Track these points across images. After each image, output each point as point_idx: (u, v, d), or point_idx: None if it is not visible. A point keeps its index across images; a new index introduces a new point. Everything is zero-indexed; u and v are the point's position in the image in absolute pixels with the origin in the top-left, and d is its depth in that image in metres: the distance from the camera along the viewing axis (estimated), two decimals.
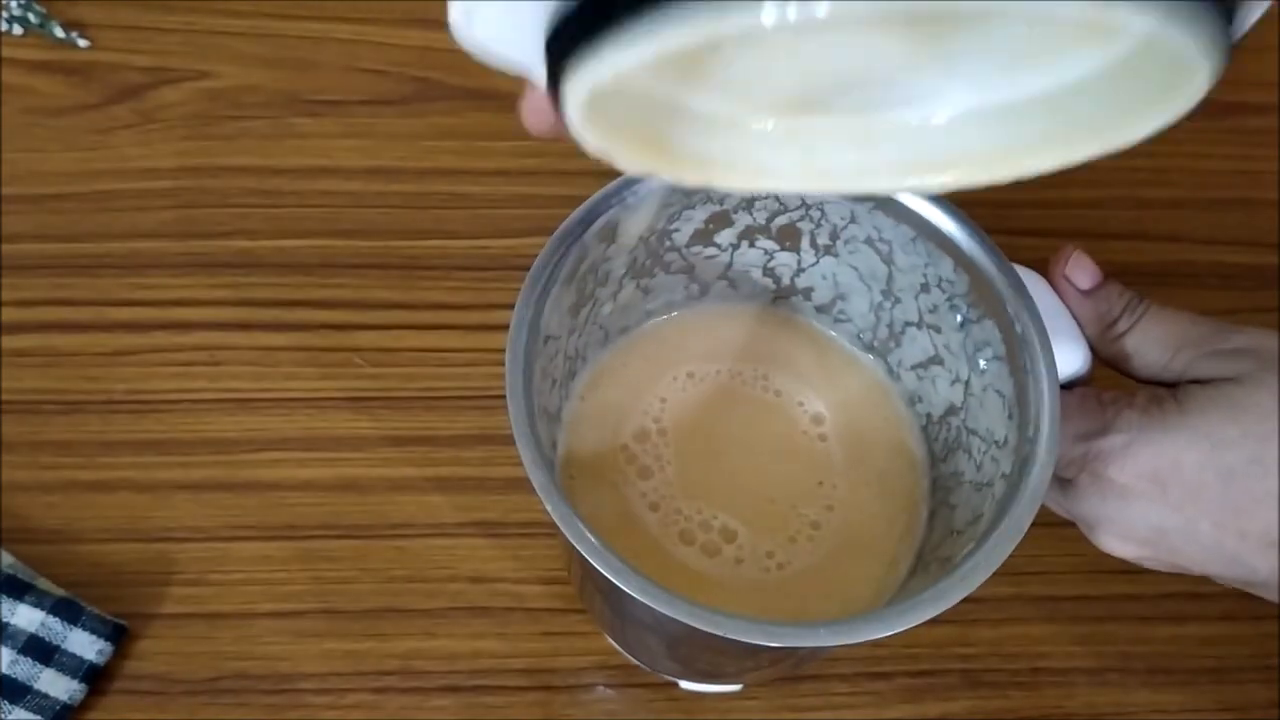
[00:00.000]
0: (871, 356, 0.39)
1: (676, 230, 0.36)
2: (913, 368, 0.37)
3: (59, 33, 0.50)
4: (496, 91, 0.51)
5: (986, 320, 0.33)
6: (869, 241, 0.35)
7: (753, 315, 0.39)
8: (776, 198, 0.35)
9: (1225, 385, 0.30)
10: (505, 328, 0.46)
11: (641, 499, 0.36)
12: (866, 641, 0.29)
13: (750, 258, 0.37)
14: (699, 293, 0.39)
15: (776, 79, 0.23)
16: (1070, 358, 0.33)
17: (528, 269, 0.47)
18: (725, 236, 0.36)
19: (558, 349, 0.35)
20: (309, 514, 0.42)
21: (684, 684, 0.39)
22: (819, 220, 0.35)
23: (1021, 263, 0.34)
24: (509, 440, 0.44)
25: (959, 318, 0.35)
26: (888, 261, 0.36)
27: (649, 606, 0.27)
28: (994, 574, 0.42)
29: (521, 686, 0.40)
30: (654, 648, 0.36)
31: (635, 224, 0.35)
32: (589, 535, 0.28)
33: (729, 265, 0.38)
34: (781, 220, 0.36)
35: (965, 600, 0.42)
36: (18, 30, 0.50)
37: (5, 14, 0.50)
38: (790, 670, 0.40)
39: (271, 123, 0.49)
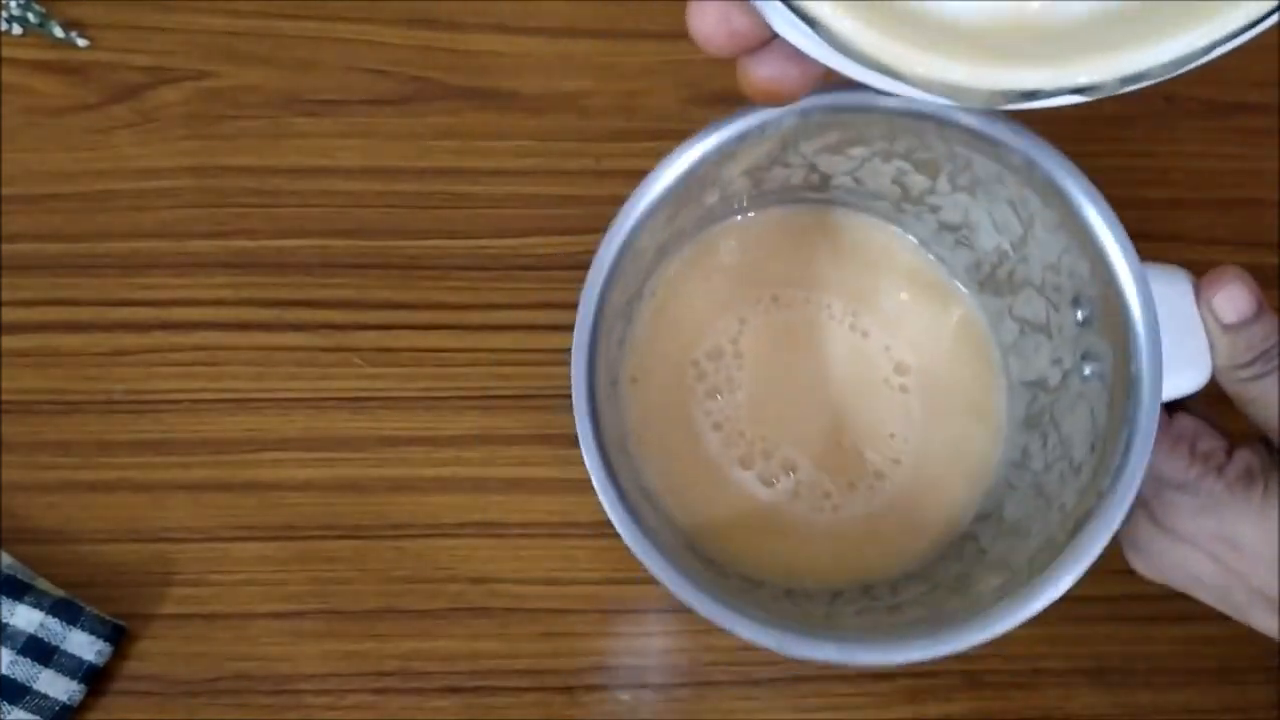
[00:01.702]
0: (979, 298, 0.36)
1: (805, 140, 0.33)
2: (1019, 319, 0.35)
3: (58, 32, 0.49)
4: (497, 91, 0.51)
5: (1104, 339, 0.31)
6: (1011, 203, 0.33)
7: (858, 234, 0.36)
8: (919, 137, 0.31)
9: None
10: (506, 328, 0.46)
11: (706, 416, 0.35)
12: (864, 665, 0.29)
13: (882, 169, 0.35)
14: (819, 182, 0.36)
15: None
16: (1188, 382, 0.31)
17: (528, 269, 0.47)
18: (859, 151, 0.34)
19: (647, 248, 0.33)
20: (309, 514, 0.42)
21: None
22: (963, 166, 0.33)
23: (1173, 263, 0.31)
24: (509, 440, 0.45)
25: (1079, 314, 0.32)
26: (1026, 225, 0.33)
27: None
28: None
29: (521, 687, 0.40)
30: None
31: (744, 161, 0.32)
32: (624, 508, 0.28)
33: (857, 168, 0.35)
34: (922, 155, 0.33)
35: None
36: (17, 30, 0.50)
37: (4, 13, 0.49)
38: None
39: (271, 122, 0.49)
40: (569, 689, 0.40)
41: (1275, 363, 0.31)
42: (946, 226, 0.36)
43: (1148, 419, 0.30)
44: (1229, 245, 0.50)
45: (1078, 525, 0.30)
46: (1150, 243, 0.50)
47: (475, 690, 0.40)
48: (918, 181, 0.35)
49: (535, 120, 0.50)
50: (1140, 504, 0.31)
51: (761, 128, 0.31)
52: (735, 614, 0.28)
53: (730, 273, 0.37)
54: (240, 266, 0.46)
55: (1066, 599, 0.43)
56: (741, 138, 0.31)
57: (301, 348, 0.45)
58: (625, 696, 0.41)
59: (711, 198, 0.34)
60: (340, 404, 0.44)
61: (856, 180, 0.36)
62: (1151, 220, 0.51)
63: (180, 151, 0.48)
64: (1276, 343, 0.31)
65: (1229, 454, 0.31)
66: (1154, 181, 0.51)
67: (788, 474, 0.35)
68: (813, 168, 0.35)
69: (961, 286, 0.37)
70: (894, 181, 0.36)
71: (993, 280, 0.36)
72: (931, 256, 0.37)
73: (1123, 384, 0.30)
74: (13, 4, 0.49)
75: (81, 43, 0.50)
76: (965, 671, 0.41)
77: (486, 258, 0.47)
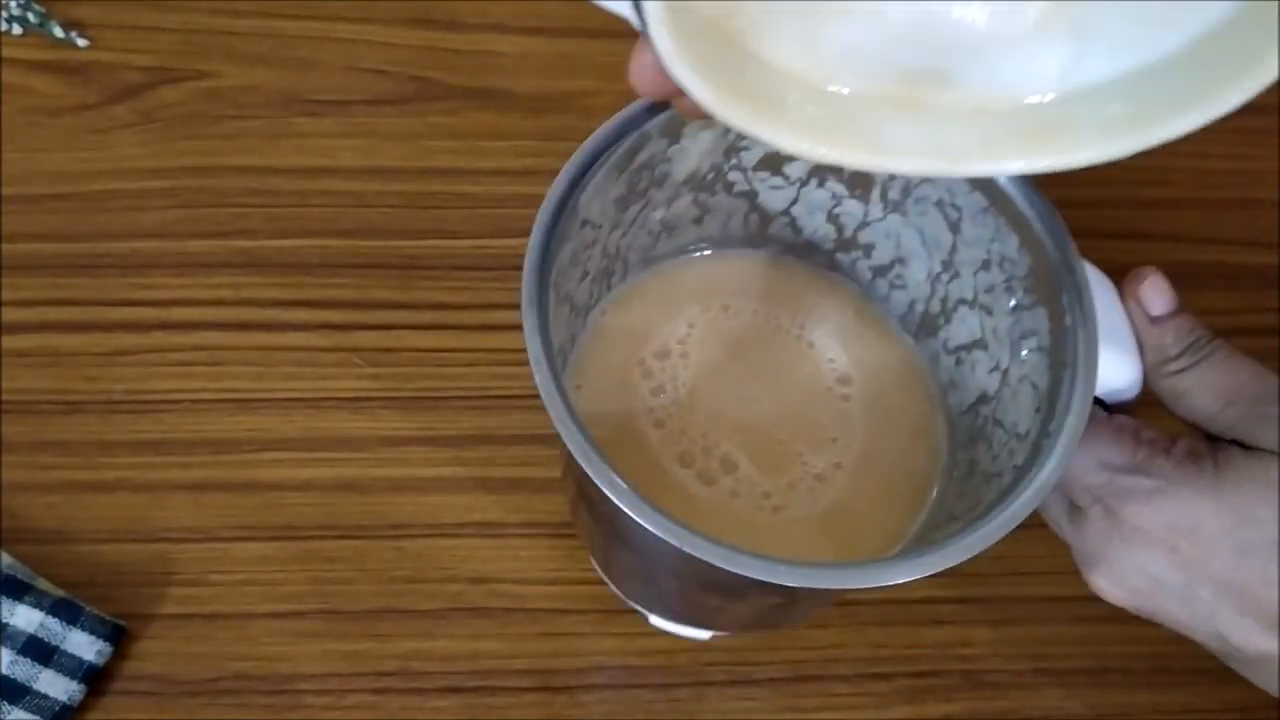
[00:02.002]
0: (916, 341, 0.38)
1: (746, 149, 0.34)
2: (955, 350, 0.36)
3: (58, 32, 0.49)
4: (496, 91, 0.51)
5: (1039, 308, 0.32)
6: (939, 204, 0.34)
7: (807, 273, 0.38)
8: None
9: (1268, 460, 0.29)
10: (506, 328, 0.46)
11: (648, 414, 0.35)
12: (819, 588, 0.28)
13: (817, 198, 0.36)
14: (759, 224, 0.37)
15: (886, 44, 0.22)
16: (1119, 372, 0.31)
17: None
18: (796, 169, 0.35)
19: (596, 239, 0.34)
20: (309, 514, 0.42)
21: (653, 620, 0.39)
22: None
23: (1100, 266, 0.32)
24: (509, 440, 0.45)
25: (1012, 301, 0.33)
26: (954, 229, 0.34)
27: (631, 520, 0.27)
28: (995, 574, 0.42)
29: (521, 687, 0.40)
30: (631, 570, 0.36)
31: (689, 159, 0.34)
32: (570, 415, 0.28)
33: (794, 201, 0.36)
34: None
35: (964, 601, 0.42)
36: (17, 30, 0.50)
37: (5, 13, 0.49)
38: (759, 621, 0.39)
39: (271, 122, 0.49)
40: (569, 689, 0.40)
41: (1204, 351, 0.31)
42: (880, 271, 0.38)
43: (1088, 351, 0.30)
44: (1229, 245, 0.50)
45: (1031, 464, 0.30)
46: (1150, 242, 0.51)
47: (475, 690, 0.40)
48: (851, 211, 0.36)
49: (535, 120, 0.50)
50: (1094, 499, 0.31)
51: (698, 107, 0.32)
52: (678, 526, 0.27)
53: (681, 285, 0.38)
54: (240, 266, 0.46)
55: (1067, 599, 0.43)
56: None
57: (301, 348, 0.45)
58: (625, 696, 0.41)
59: (656, 209, 0.35)
60: (340, 404, 0.44)
61: (794, 224, 0.37)
62: (1151, 220, 0.51)
63: (180, 151, 0.48)
64: (1202, 334, 0.31)
65: (1172, 441, 0.31)
66: (1154, 181, 0.52)
67: (727, 472, 0.35)
68: (753, 201, 0.36)
69: (900, 334, 0.38)
70: (829, 218, 0.37)
71: (926, 319, 0.37)
72: (872, 303, 0.39)
73: (1060, 338, 0.31)
74: (13, 4, 0.50)
75: (81, 43, 0.50)
76: (965, 671, 0.41)
77: (486, 258, 0.47)
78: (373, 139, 0.49)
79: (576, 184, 0.31)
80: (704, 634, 0.39)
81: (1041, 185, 0.32)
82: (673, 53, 0.21)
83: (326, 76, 0.51)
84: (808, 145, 0.23)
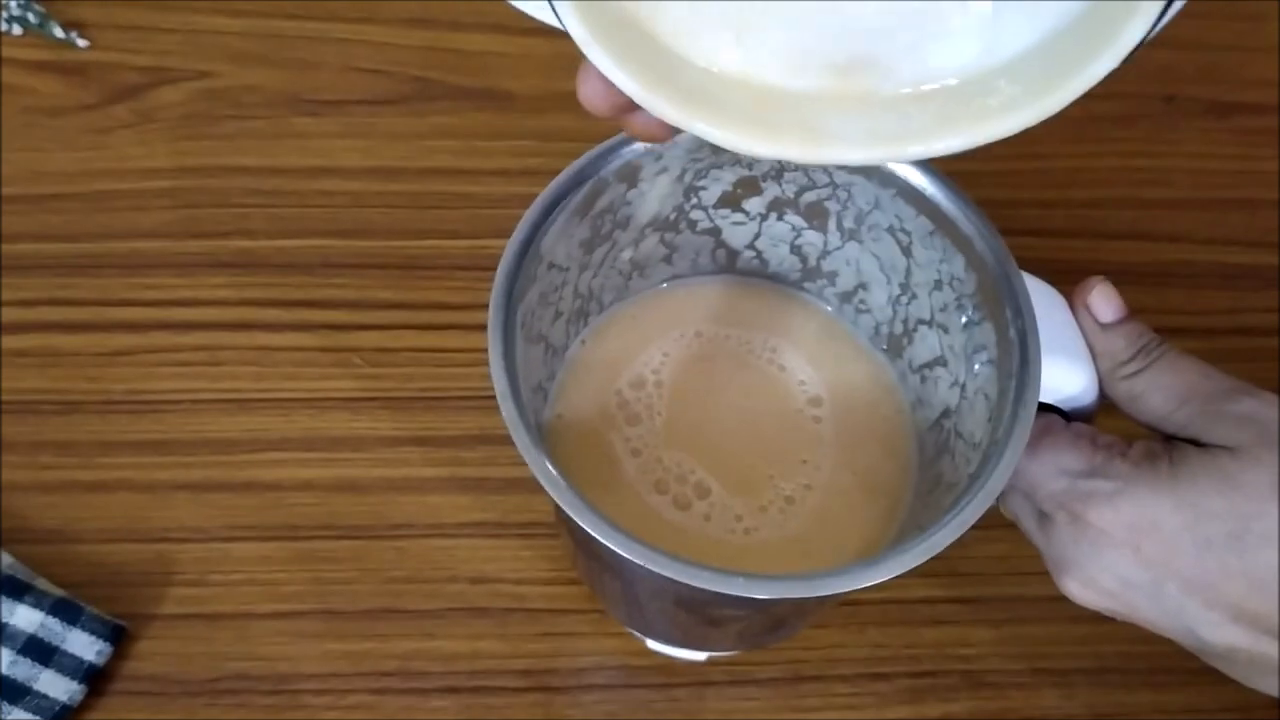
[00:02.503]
0: (885, 357, 0.39)
1: (704, 189, 0.35)
2: (919, 369, 0.37)
3: (58, 32, 0.49)
4: (496, 91, 0.51)
5: (987, 322, 0.33)
6: (891, 230, 0.35)
7: (779, 295, 0.39)
8: (805, 172, 0.35)
9: (1221, 455, 0.30)
10: None
11: (625, 444, 0.36)
12: (781, 600, 0.29)
13: (779, 231, 0.37)
14: (726, 259, 0.38)
15: (814, 38, 0.22)
16: (1070, 379, 0.32)
17: None
18: (754, 205, 0.36)
19: (565, 280, 0.35)
20: (309, 514, 0.42)
21: (650, 644, 0.40)
22: (845, 202, 0.35)
23: (1041, 275, 0.33)
24: (509, 440, 0.44)
25: (964, 318, 0.34)
26: (907, 253, 0.35)
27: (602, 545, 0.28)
28: (995, 574, 0.42)
29: (521, 687, 0.40)
30: (617, 596, 0.37)
31: (650, 203, 0.35)
32: (534, 448, 0.30)
33: (757, 235, 0.37)
34: (810, 196, 0.36)
35: (964, 601, 0.42)
36: (17, 30, 0.50)
37: (5, 14, 0.50)
38: (746, 641, 0.40)
39: (271, 123, 0.49)
40: (569, 689, 0.40)
41: (1155, 354, 0.32)
42: (845, 297, 0.39)
43: (1031, 360, 0.31)
44: (1229, 245, 0.50)
45: (980, 471, 0.31)
46: (1150, 242, 0.51)
47: (475, 690, 0.40)
48: (812, 242, 0.37)
49: (535, 120, 0.50)
50: (1058, 506, 0.32)
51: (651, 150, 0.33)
52: (643, 545, 0.28)
53: (655, 313, 0.39)
54: (240, 266, 0.46)
55: (1066, 599, 0.43)
56: (626, 146, 0.33)
57: (301, 348, 0.45)
58: (625, 696, 0.41)
59: (624, 250, 0.36)
60: (340, 404, 0.44)
61: (760, 257, 0.38)
62: (1151, 220, 0.51)
63: (180, 151, 0.48)
64: (1152, 338, 0.32)
65: (1129, 444, 0.32)
66: (1154, 181, 0.52)
67: (700, 497, 0.36)
68: (718, 237, 0.37)
69: (870, 350, 0.39)
70: (792, 250, 0.38)
71: (892, 340, 0.38)
72: (843, 324, 0.40)
73: (1006, 350, 0.32)
74: (13, 4, 0.50)
75: (81, 43, 0.50)
76: (965, 671, 0.41)
77: (486, 258, 0.47)
78: (373, 139, 0.49)
79: (537, 229, 0.32)
80: (699, 655, 0.40)
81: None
82: (589, 39, 0.22)
83: (326, 76, 0.51)
84: (743, 139, 0.23)
